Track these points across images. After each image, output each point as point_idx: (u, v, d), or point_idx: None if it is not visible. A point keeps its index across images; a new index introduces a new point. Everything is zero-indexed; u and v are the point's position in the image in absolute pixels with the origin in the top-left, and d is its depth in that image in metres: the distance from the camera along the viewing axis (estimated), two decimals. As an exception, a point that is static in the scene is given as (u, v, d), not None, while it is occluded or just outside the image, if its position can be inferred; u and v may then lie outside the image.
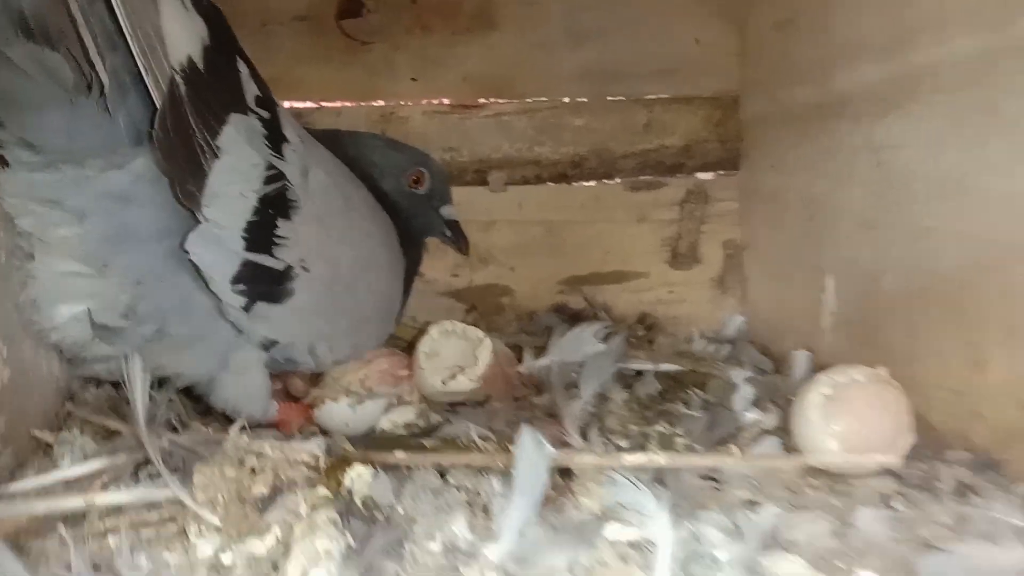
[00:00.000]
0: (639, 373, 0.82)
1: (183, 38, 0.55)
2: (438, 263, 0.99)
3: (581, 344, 0.80)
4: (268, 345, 0.66)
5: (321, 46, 0.97)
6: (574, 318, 0.96)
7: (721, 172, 1.06)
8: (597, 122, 1.04)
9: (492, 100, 1.02)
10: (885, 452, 0.60)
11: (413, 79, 1.00)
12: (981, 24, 0.60)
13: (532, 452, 0.47)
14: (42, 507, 0.45)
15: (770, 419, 0.68)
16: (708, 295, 1.06)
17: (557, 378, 0.74)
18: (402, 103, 1.00)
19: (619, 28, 1.01)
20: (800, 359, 0.81)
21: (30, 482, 0.48)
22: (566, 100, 1.04)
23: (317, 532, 0.44)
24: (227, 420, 0.64)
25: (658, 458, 0.53)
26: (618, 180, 1.05)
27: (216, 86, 0.57)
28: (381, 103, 1.00)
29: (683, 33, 1.02)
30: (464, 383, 0.73)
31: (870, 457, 0.60)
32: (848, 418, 0.60)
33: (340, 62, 0.97)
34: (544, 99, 1.03)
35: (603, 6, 1.00)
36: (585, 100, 1.03)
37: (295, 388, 0.75)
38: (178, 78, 0.54)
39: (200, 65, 0.55)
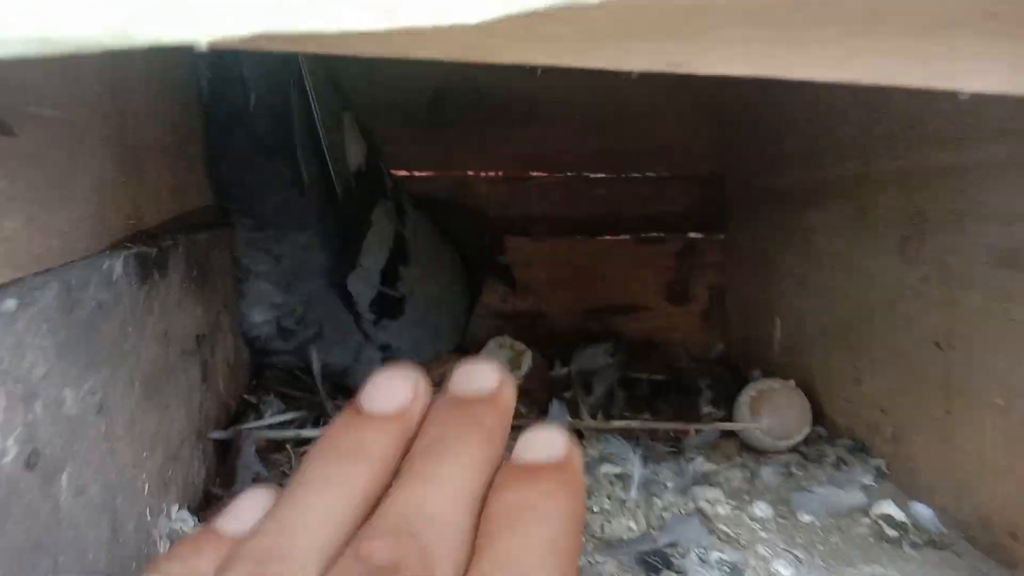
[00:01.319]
0: (638, 380, 1.08)
1: (356, 152, 0.85)
2: (492, 293, 1.23)
3: (595, 357, 1.10)
4: (384, 347, 0.96)
5: (416, 131, 1.18)
6: (592, 338, 1.17)
7: (709, 234, 1.26)
8: (614, 192, 1.24)
9: (536, 173, 1.24)
10: (791, 436, 0.87)
11: (479, 156, 1.22)
12: (859, 157, 0.83)
13: (557, 413, 0.77)
14: (274, 434, 0.76)
15: (720, 413, 0.95)
16: (697, 325, 1.27)
17: (577, 380, 1.04)
18: (470, 174, 1.23)
19: (632, 121, 1.20)
20: (753, 375, 1.07)
21: (263, 421, 0.79)
22: (589, 175, 1.24)
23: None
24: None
25: (633, 423, 0.83)
26: (629, 236, 1.26)
27: (371, 184, 0.88)
28: (457, 174, 1.22)
29: (679, 128, 1.23)
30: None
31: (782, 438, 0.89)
32: (766, 411, 0.88)
33: (426, 142, 1.20)
34: (573, 173, 1.24)
35: (614, 107, 1.19)
36: (603, 175, 1.24)
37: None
38: (352, 179, 0.84)
39: (364, 169, 0.86)
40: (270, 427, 0.78)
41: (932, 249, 0.72)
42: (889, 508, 0.73)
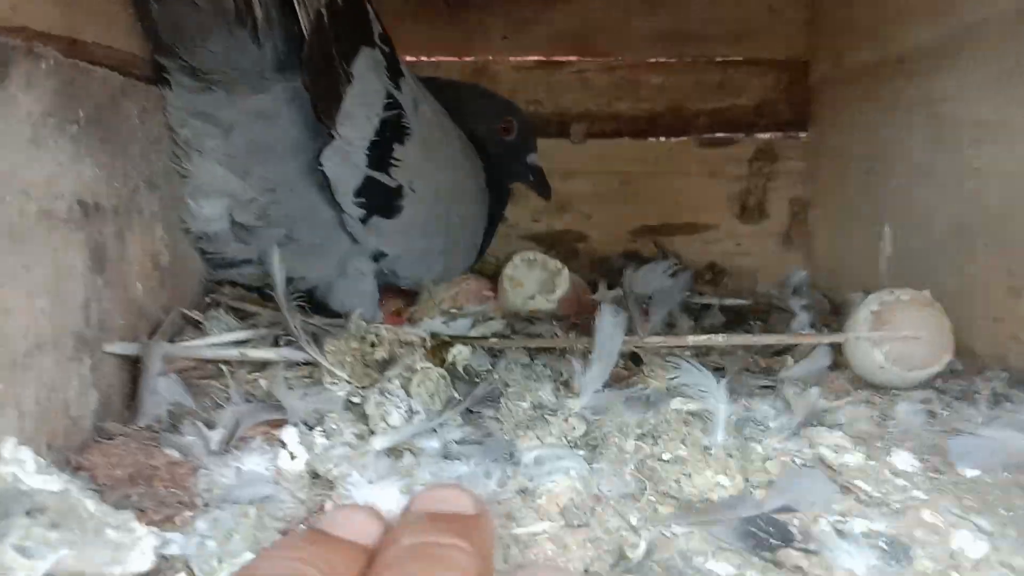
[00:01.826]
0: (707, 307, 0.87)
1: None
2: (521, 209, 1.05)
3: (652, 278, 0.87)
4: (378, 256, 0.74)
5: (424, 7, 1.02)
6: (645, 263, 1.00)
7: (790, 133, 1.08)
8: (673, 81, 1.06)
9: (575, 58, 1.05)
10: (927, 366, 0.66)
11: (504, 37, 1.04)
12: None
13: (609, 322, 0.55)
14: (208, 353, 0.55)
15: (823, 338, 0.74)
16: (774, 249, 1.09)
17: (631, 303, 0.82)
18: (492, 59, 1.04)
19: None
20: (857, 297, 0.85)
21: (194, 341, 0.57)
22: (643, 60, 1.06)
23: (430, 381, 0.52)
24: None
25: (717, 338, 0.60)
26: (691, 137, 1.08)
27: (351, 21, 0.66)
28: (474, 58, 1.04)
29: (756, 0, 1.05)
30: (543, 303, 0.81)
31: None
32: (894, 330, 0.65)
33: (440, 22, 1.02)
34: (623, 58, 1.06)
35: None
36: (662, 60, 1.06)
37: (392, 306, 0.84)
38: (324, 11, 0.61)
39: (340, 2, 0.64)
40: (208, 346, 0.56)
41: None
42: None
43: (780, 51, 1.06)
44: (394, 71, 0.71)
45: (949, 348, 0.66)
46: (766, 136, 1.08)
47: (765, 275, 1.05)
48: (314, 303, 0.72)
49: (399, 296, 0.84)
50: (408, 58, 1.02)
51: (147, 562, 0.34)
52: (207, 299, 0.70)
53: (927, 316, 0.67)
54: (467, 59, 1.04)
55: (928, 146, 0.79)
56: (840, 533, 0.40)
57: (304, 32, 0.61)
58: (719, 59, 1.06)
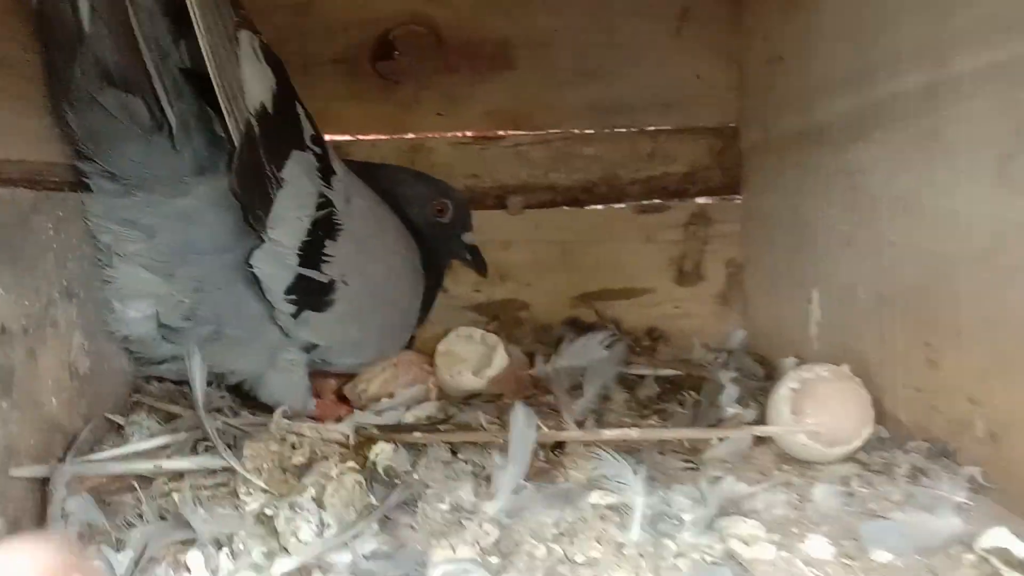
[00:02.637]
0: (642, 378, 0.88)
1: (258, 87, 0.63)
2: (463, 279, 1.06)
3: (588, 350, 0.88)
4: (309, 348, 0.74)
5: (356, 86, 1.03)
6: (586, 330, 0.98)
7: (723, 197, 1.09)
8: (606, 151, 1.07)
9: (510, 132, 1.07)
10: (848, 441, 0.66)
11: (439, 114, 1.05)
12: (925, 62, 0.66)
13: (522, 423, 0.55)
14: (120, 468, 0.55)
15: (749, 414, 0.73)
16: (712, 310, 1.10)
17: (564, 378, 0.82)
18: (429, 135, 1.05)
19: (622, 65, 1.05)
20: (787, 364, 0.86)
21: (109, 452, 0.57)
22: (577, 131, 1.07)
23: (345, 490, 0.52)
24: (271, 412, 0.70)
25: (631, 432, 0.60)
26: (627, 204, 1.08)
27: (281, 127, 0.67)
28: (411, 136, 1.05)
29: (684, 69, 1.06)
30: (473, 381, 0.82)
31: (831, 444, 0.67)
32: (812, 408, 0.66)
33: (374, 100, 1.03)
34: (557, 131, 1.07)
35: (607, 46, 1.05)
36: (594, 132, 1.07)
37: (326, 389, 0.84)
38: (253, 121, 0.62)
39: (270, 109, 0.64)
40: (124, 457, 0.56)
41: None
42: (1001, 538, 0.52)
43: (710, 119, 1.08)
44: (325, 170, 0.72)
45: (869, 422, 0.68)
46: (700, 201, 1.10)
47: (704, 336, 1.05)
48: (243, 396, 0.72)
49: (334, 378, 0.84)
50: (344, 137, 1.04)
51: None
52: (132, 398, 0.70)
53: (846, 392, 0.68)
54: (404, 136, 1.05)
55: (848, 216, 0.80)
56: (742, 640, 0.41)
57: (234, 141, 0.61)
58: (650, 128, 1.08)
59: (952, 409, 0.65)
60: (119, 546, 0.47)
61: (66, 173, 0.63)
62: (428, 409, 0.77)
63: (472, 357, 0.84)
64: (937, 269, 0.66)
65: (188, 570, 0.45)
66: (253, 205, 0.64)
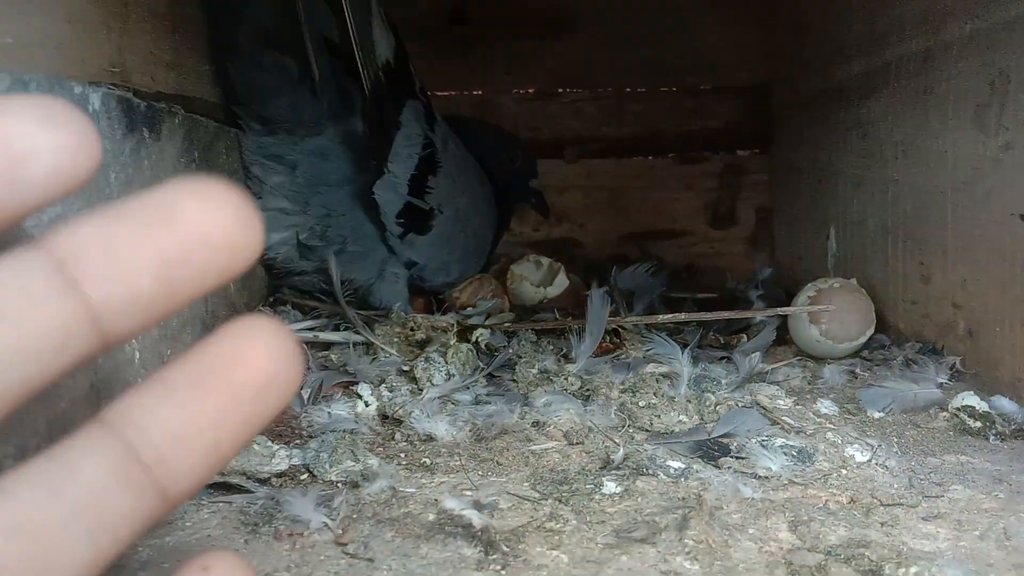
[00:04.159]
0: (682, 300, 1.02)
1: (384, 45, 0.78)
2: (524, 221, 1.19)
3: (636, 276, 1.03)
4: (410, 265, 0.89)
5: (435, 46, 1.14)
6: (630, 265, 1.15)
7: (754, 150, 1.21)
8: (652, 108, 1.19)
9: (568, 90, 1.18)
10: (854, 338, 0.80)
11: (506, 73, 1.18)
12: (925, 30, 0.78)
13: (598, 303, 0.71)
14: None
15: (773, 322, 0.89)
16: (743, 250, 1.22)
17: (616, 294, 0.97)
18: (497, 92, 1.18)
19: (669, 32, 1.17)
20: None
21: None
22: (627, 90, 1.19)
23: (461, 353, 0.68)
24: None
25: (680, 316, 0.76)
26: (669, 155, 1.21)
27: (400, 79, 0.81)
28: (480, 92, 1.18)
29: (723, 36, 1.17)
30: (549, 292, 0.97)
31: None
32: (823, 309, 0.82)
33: (449, 59, 1.15)
34: (609, 89, 1.19)
35: (655, 15, 1.16)
36: (642, 90, 1.19)
37: (415, 304, 1.00)
38: (381, 73, 0.77)
39: (392, 64, 0.79)
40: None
41: (1016, 110, 0.64)
42: (970, 400, 0.65)
43: (745, 79, 1.20)
44: (430, 116, 0.87)
45: (871, 323, 0.82)
46: (734, 154, 1.21)
47: (735, 273, 1.16)
48: (358, 300, 0.88)
49: (421, 295, 1.00)
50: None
51: (284, 465, 0.50)
52: (270, 299, 0.86)
53: (853, 298, 0.82)
54: (474, 92, 1.18)
55: (860, 161, 0.93)
56: (763, 447, 0.56)
57: (365, 90, 0.76)
58: (692, 88, 1.20)
59: (939, 315, 0.77)
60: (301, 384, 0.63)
61: (225, 114, 0.79)
62: (506, 318, 0.92)
63: (539, 277, 1.00)
64: (929, 200, 0.78)
65: (359, 396, 0.61)
66: (378, 142, 0.79)
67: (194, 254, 0.21)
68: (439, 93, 1.17)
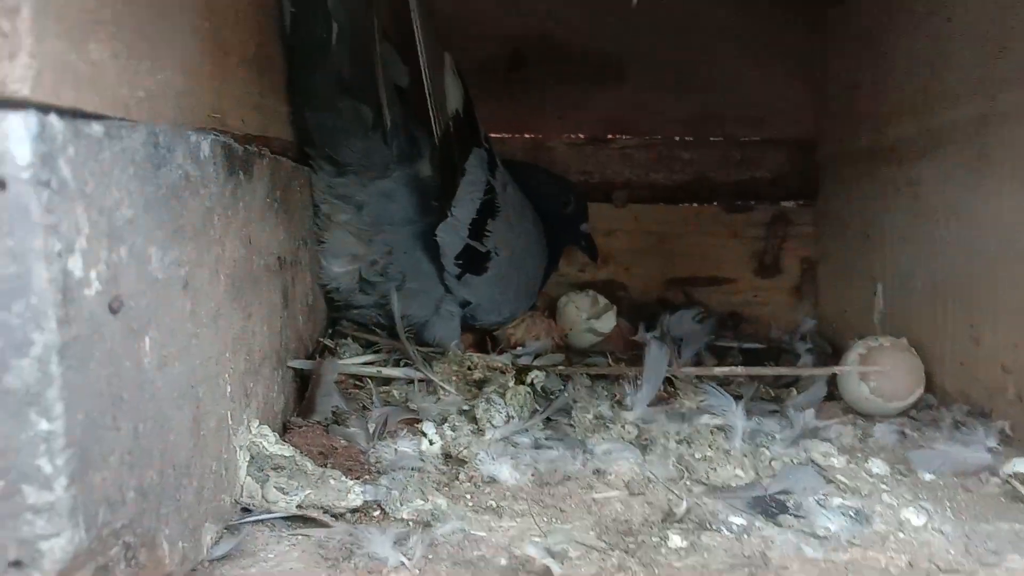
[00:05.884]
0: (728, 349, 1.03)
1: (454, 96, 0.81)
2: (572, 261, 1.20)
3: (683, 323, 1.04)
4: (464, 304, 0.91)
5: (492, 90, 1.16)
6: (675, 310, 1.12)
7: (801, 202, 1.21)
8: (700, 156, 1.20)
9: (618, 136, 1.20)
10: (903, 397, 0.81)
11: (559, 118, 1.20)
12: (979, 97, 0.78)
13: (656, 352, 0.72)
14: (356, 370, 0.73)
15: (823, 377, 0.89)
16: (787, 300, 1.22)
17: (668, 341, 0.98)
18: (549, 136, 1.21)
19: (718, 84, 1.18)
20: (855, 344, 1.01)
21: (349, 359, 0.75)
22: (676, 139, 1.20)
23: (519, 395, 0.70)
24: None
25: (737, 369, 0.77)
26: (717, 203, 1.22)
27: (467, 128, 0.84)
28: (533, 136, 1.20)
29: (771, 90, 1.19)
30: (599, 326, 0.98)
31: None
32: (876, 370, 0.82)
33: (505, 103, 1.18)
34: (659, 137, 1.20)
35: (705, 66, 1.17)
36: (692, 139, 1.20)
37: (465, 340, 1.02)
38: (451, 123, 0.79)
39: (461, 114, 0.82)
40: (358, 364, 0.74)
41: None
42: (1022, 467, 0.66)
43: (792, 133, 1.21)
44: (492, 163, 0.89)
45: (920, 383, 0.82)
46: (781, 204, 1.22)
47: (778, 323, 1.18)
48: (413, 335, 0.90)
49: (471, 332, 1.02)
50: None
51: (359, 501, 0.52)
52: (330, 331, 0.89)
53: (904, 358, 0.83)
54: (528, 136, 1.21)
55: (910, 220, 0.93)
56: (821, 506, 0.57)
57: (435, 138, 0.79)
58: (740, 138, 1.21)
59: (989, 377, 0.77)
60: (367, 419, 0.65)
61: (299, 153, 0.81)
62: (556, 359, 0.93)
63: (588, 311, 1.02)
64: (980, 262, 0.78)
65: (424, 435, 0.63)
66: (445, 187, 0.81)
67: None
68: (493, 135, 1.18)
